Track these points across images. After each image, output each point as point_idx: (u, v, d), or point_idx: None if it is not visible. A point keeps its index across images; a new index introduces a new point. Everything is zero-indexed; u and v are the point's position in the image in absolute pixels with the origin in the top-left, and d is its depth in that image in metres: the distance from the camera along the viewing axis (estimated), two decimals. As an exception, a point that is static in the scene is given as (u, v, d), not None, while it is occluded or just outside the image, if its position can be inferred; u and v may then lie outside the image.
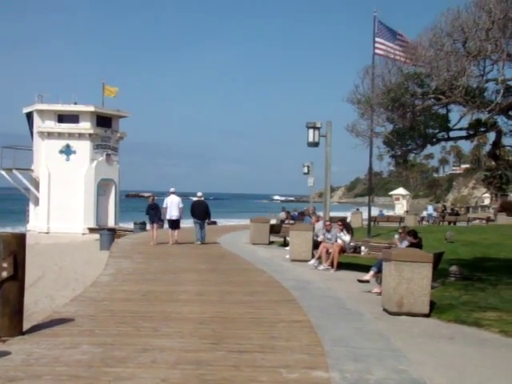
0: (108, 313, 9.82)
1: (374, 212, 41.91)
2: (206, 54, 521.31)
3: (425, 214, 51.59)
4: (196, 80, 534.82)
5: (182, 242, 23.18)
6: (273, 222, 28.41)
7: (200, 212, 23.27)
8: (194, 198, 24.65)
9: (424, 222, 47.35)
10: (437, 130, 14.04)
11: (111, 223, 42.66)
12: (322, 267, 16.60)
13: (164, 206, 23.13)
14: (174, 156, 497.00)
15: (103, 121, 43.37)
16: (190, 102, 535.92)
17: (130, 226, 38.81)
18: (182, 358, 7.11)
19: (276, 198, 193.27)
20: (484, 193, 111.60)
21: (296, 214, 32.34)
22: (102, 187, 43.38)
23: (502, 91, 12.12)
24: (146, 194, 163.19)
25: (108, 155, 43.60)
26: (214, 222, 44.57)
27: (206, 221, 24.02)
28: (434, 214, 51.66)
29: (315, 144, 21.08)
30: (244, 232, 29.67)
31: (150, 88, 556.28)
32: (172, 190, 23.25)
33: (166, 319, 9.33)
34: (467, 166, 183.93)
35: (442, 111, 13.56)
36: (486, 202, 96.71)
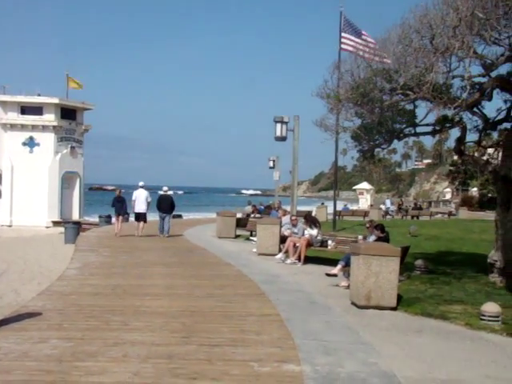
0: (76, 307, 9.73)
1: (339, 206, 42.21)
2: (173, 46, 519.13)
3: (382, 207, 52.06)
4: (163, 73, 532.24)
5: (147, 234, 23.56)
6: (239, 215, 28.40)
7: (165, 206, 23.79)
8: (161, 192, 25.02)
9: (388, 216, 47.87)
10: (404, 126, 14.20)
11: (76, 216, 42.19)
12: (289, 261, 16.67)
13: (133, 198, 23.76)
14: (139, 149, 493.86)
15: (68, 113, 42.80)
16: (155, 96, 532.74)
17: (95, 219, 38.46)
18: (153, 351, 7.08)
19: (244, 191, 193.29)
20: (446, 187, 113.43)
21: (262, 207, 32.40)
22: (67, 180, 42.87)
23: (467, 88, 12.32)
24: (109, 187, 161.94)
25: (72, 148, 43.07)
26: (180, 216, 44.38)
27: (171, 214, 24.62)
28: (392, 207, 52.26)
29: (283, 138, 21.18)
30: (210, 226, 29.63)
31: (116, 81, 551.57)
32: (141, 184, 23.88)
33: (136, 313, 9.28)
34: (429, 161, 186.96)
35: (410, 107, 13.73)
36: (448, 196, 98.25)
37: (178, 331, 8.14)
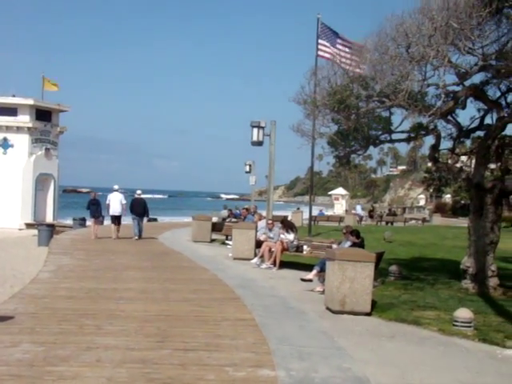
0: (49, 310, 9.64)
1: (314, 211, 42.37)
2: (149, 50, 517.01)
3: (353, 213, 52.27)
4: (138, 76, 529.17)
5: (123, 237, 23.84)
6: (215, 219, 28.36)
7: (139, 209, 24.25)
8: (136, 195, 25.38)
9: (363, 222, 48.17)
10: (380, 132, 14.32)
11: (49, 219, 41.71)
12: (264, 266, 16.69)
13: (107, 202, 24.23)
14: (115, 152, 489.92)
15: (43, 114, 42.31)
16: (131, 98, 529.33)
17: (69, 221, 38.07)
18: (127, 356, 7.05)
19: (223, 196, 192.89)
20: (420, 194, 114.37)
21: (238, 212, 32.37)
22: (41, 182, 42.38)
23: (442, 96, 12.48)
24: (84, 190, 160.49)
25: (47, 149, 42.60)
26: (155, 219, 44.19)
27: (145, 217, 25.27)
28: (362, 213, 52.53)
29: (259, 143, 21.18)
30: (186, 229, 29.56)
31: (92, 83, 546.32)
32: (116, 187, 24.44)
33: (110, 317, 9.22)
34: (404, 167, 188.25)
35: (385, 114, 13.84)
36: (422, 202, 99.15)
37: (153, 335, 8.11)
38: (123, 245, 21.70)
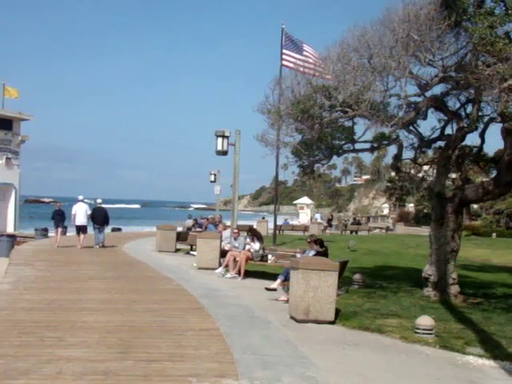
0: (9, 323, 9.43)
1: (279, 221, 42.48)
2: (113, 58, 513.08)
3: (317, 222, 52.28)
4: (102, 85, 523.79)
5: (87, 246, 24.01)
6: (179, 229, 28.23)
7: (100, 218, 24.71)
8: (97, 205, 25.94)
9: (327, 231, 48.44)
10: (343, 142, 14.47)
11: (10, 229, 40.93)
12: (229, 275, 16.66)
13: (72, 212, 24.46)
14: (78, 161, 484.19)
15: (3, 123, 41.58)
16: (95, 108, 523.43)
17: (31, 232, 37.46)
18: (88, 368, 6.95)
19: (193, 205, 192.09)
20: (384, 203, 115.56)
21: (203, 221, 32.29)
22: (1, 192, 41.63)
23: (404, 107, 12.68)
24: (46, 200, 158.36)
25: (8, 159, 41.90)
26: (119, 229, 43.79)
27: (105, 226, 25.52)
28: (323, 221, 52.62)
29: (224, 152, 21.18)
30: (150, 239, 29.34)
31: (55, 92, 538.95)
32: (80, 197, 24.91)
33: (72, 329, 9.09)
34: (368, 176, 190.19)
35: (349, 124, 14.01)
36: (386, 211, 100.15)
37: (115, 347, 8.01)
38: (86, 255, 21.45)
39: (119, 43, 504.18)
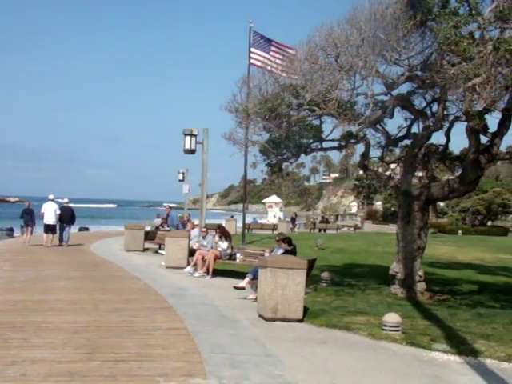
0: (-28, 325, 9.27)
1: (248, 219, 42.50)
2: (79, 56, 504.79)
3: (275, 220, 52.04)
4: (68, 83, 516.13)
5: (54, 245, 24.59)
6: (148, 228, 28.06)
7: (66, 216, 25.43)
8: (64, 204, 26.57)
9: (296, 230, 48.60)
10: (311, 140, 14.52)
11: (-27, 230, 40.22)
12: (197, 274, 16.61)
13: (42, 211, 25.05)
14: (46, 160, 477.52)
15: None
16: (60, 105, 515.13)
17: (-4, 232, 36.88)
18: (54, 369, 6.84)
19: (165, 204, 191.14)
20: (352, 201, 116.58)
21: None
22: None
23: (370, 105, 12.77)
24: (13, 199, 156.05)
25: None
26: (87, 229, 43.41)
27: (71, 225, 26.41)
28: (283, 218, 52.60)
29: (192, 151, 21.15)
30: (118, 239, 29.12)
31: (19, 91, 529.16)
32: (51, 197, 25.44)
33: (38, 330, 8.94)
34: (336, 175, 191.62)
35: (316, 122, 14.05)
36: (354, 210, 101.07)
37: (82, 347, 7.92)
38: (53, 255, 21.21)
39: (87, 41, 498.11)
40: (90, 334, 8.70)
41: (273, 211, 72.74)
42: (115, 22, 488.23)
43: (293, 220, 53.91)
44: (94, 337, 8.55)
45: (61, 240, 25.23)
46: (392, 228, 46.78)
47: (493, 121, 12.95)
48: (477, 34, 10.96)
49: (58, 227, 25.40)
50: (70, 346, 8.00)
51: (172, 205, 32.49)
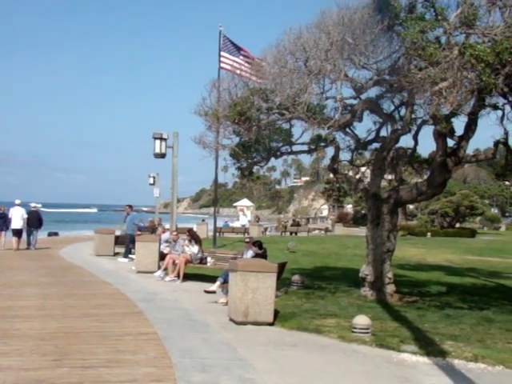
0: None
1: (220, 223, 42.38)
2: (48, 59, 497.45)
3: (237, 224, 51.15)
4: (37, 87, 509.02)
5: (22, 248, 25.18)
6: (118, 233, 27.84)
7: (34, 221, 26.32)
8: (31, 208, 27.23)
9: (267, 233, 48.60)
10: (281, 144, 14.57)
11: None
12: (168, 278, 16.54)
13: (9, 216, 25.82)
14: (13, 164, 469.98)
15: None
16: (28, 110, 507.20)
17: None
18: (21, 377, 6.76)
19: (144, 208, 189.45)
20: (323, 204, 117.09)
21: (142, 225, 31.93)
22: None
23: (339, 109, 12.86)
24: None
25: None
26: (56, 233, 42.92)
27: (38, 229, 27.21)
28: (248, 225, 52.21)
29: (162, 155, 21.07)
30: (88, 243, 28.82)
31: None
32: (17, 201, 26.31)
33: (4, 337, 8.82)
34: (307, 178, 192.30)
35: (286, 126, 14.11)
36: (325, 213, 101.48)
37: (50, 354, 7.82)
38: (21, 260, 20.95)
39: (51, 41, 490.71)
40: (59, 341, 8.61)
41: (244, 215, 72.74)
42: (84, 25, 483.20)
43: (256, 222, 53.14)
44: (63, 343, 8.47)
45: (28, 244, 25.97)
46: (362, 231, 47.06)
47: (459, 124, 13.17)
48: (443, 39, 11.14)
49: (25, 231, 26.07)
50: (38, 352, 7.91)
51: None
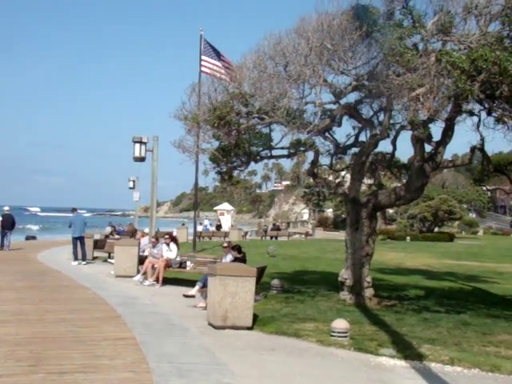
0: None
1: (200, 227, 42.31)
2: (22, 60, 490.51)
3: (199, 227, 50.17)
4: (10, 88, 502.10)
5: None
6: (97, 237, 27.69)
7: (8, 223, 27.94)
8: (5, 212, 28.85)
9: (248, 237, 48.58)
10: (260, 148, 14.61)
11: None
12: (147, 283, 16.48)
13: None
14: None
15: None
16: (4, 111, 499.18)
17: None
18: (-5, 383, 6.70)
19: (131, 212, 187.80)
20: (303, 208, 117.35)
21: (121, 229, 31.83)
22: None
23: (319, 114, 12.93)
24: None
25: None
26: (34, 237, 42.58)
27: (12, 231, 28.70)
28: (209, 227, 51.68)
29: (142, 159, 21.01)
30: (67, 247, 28.60)
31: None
32: None
33: (-21, 343, 8.73)
34: (288, 182, 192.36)
35: (266, 130, 14.16)
36: (305, 217, 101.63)
37: (25, 359, 7.74)
38: (-2, 265, 20.73)
39: (29, 45, 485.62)
40: (34, 346, 8.53)
41: (224, 219, 72.61)
42: (56, 23, 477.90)
43: (218, 227, 52.23)
44: (39, 348, 8.39)
45: (2, 245, 27.44)
46: (342, 235, 46.99)
47: (437, 130, 13.31)
48: (420, 46, 11.27)
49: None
50: (13, 358, 7.82)
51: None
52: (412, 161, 14.07)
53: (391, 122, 13.92)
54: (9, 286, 15.28)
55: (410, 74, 10.51)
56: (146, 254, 18.57)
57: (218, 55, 26.79)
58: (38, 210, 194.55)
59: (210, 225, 53.31)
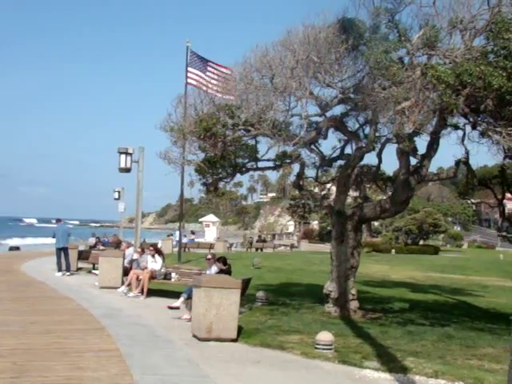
0: None
1: (185, 238, 42.15)
2: (12, 70, 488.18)
3: (172, 239, 49.43)
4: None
5: None
6: (81, 247, 27.54)
7: None
8: None
9: (233, 249, 48.50)
10: (246, 160, 14.61)
11: None
12: (131, 294, 16.39)
13: None
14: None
15: None
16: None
17: None
18: (-23, 395, 6.62)
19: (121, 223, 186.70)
20: (289, 220, 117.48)
21: (106, 240, 31.67)
22: None
23: (305, 126, 13.00)
24: None
25: None
26: (18, 248, 42.33)
27: None
28: (184, 239, 50.41)
29: (127, 170, 20.96)
30: (51, 258, 28.40)
31: None
32: None
33: (-39, 354, 8.63)
34: (273, 194, 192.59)
35: (252, 142, 14.18)
36: (291, 229, 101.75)
37: (7, 371, 7.64)
38: (-19, 276, 20.53)
39: (12, 56, 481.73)
40: (17, 358, 8.44)
41: (210, 230, 72.50)
42: (43, 38, 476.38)
43: (192, 237, 51.22)
44: (22, 360, 8.30)
45: None
46: (327, 247, 47.15)
47: (422, 143, 13.41)
48: (406, 60, 11.37)
49: None
50: (-5, 370, 7.74)
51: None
52: (397, 174, 14.15)
53: (377, 134, 14.02)
54: (-9, 296, 15.13)
55: (396, 88, 10.59)
56: (134, 257, 18.30)
57: (205, 66, 26.78)
58: (34, 221, 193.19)
59: (185, 236, 52.24)
